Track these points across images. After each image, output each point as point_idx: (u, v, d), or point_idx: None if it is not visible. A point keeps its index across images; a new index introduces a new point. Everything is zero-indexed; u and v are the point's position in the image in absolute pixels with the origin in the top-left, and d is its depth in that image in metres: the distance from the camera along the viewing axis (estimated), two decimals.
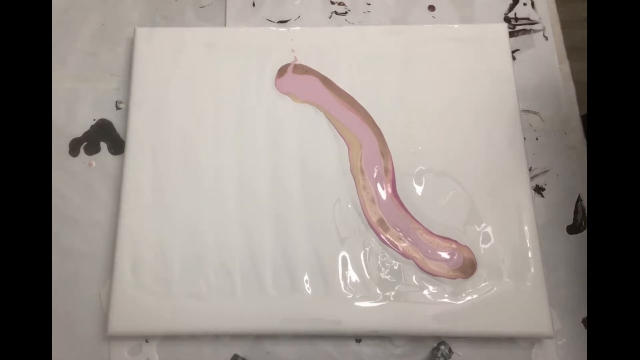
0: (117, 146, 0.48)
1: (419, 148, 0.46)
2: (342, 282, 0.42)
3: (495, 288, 0.42)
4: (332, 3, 0.53)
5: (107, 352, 0.42)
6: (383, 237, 0.43)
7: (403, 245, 0.43)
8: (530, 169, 0.46)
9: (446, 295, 0.41)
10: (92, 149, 0.48)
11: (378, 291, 0.41)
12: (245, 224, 0.44)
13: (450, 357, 0.41)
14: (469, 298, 0.41)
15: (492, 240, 0.43)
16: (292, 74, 0.49)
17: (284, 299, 0.41)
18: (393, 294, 0.41)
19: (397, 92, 0.48)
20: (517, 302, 0.41)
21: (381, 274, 0.42)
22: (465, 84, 0.48)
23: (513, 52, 0.50)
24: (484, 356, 0.42)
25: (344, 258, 0.43)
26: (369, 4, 0.53)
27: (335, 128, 0.47)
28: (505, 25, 0.50)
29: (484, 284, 0.42)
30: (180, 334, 0.41)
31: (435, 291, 0.41)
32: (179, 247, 0.43)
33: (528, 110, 0.49)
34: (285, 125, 0.47)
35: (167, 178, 0.45)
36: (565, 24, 0.53)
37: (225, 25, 0.52)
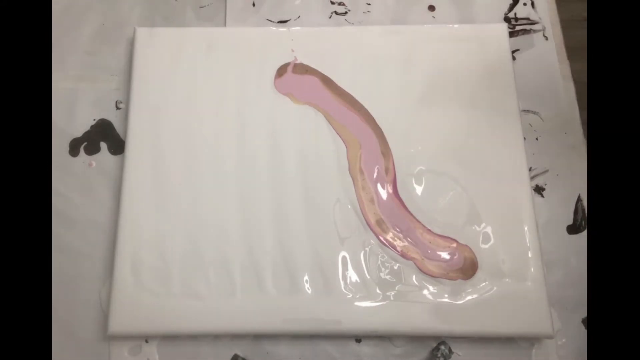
0: (117, 146, 0.48)
1: (419, 148, 0.46)
2: (342, 282, 0.42)
3: (495, 288, 0.42)
4: (332, 3, 0.53)
5: (107, 352, 0.42)
6: (382, 238, 0.43)
7: (402, 246, 0.43)
8: (530, 169, 0.46)
9: (446, 295, 0.41)
10: (92, 149, 0.48)
11: (378, 291, 0.41)
12: (245, 224, 0.44)
13: (450, 357, 0.41)
14: (469, 298, 0.41)
15: (492, 240, 0.43)
16: (292, 74, 0.49)
17: (284, 298, 0.41)
18: (393, 294, 0.41)
19: (397, 92, 0.48)
20: (517, 302, 0.41)
21: (381, 274, 0.42)
22: (465, 84, 0.48)
23: (513, 52, 0.50)
24: (484, 356, 0.42)
25: (344, 258, 0.43)
26: (369, 4, 0.53)
27: (334, 129, 0.47)
28: (505, 25, 0.50)
29: (484, 284, 0.42)
30: (180, 334, 0.41)
31: (435, 291, 0.41)
32: (179, 247, 0.43)
33: (528, 110, 0.49)
34: (284, 126, 0.47)
35: (167, 178, 0.45)
36: (565, 24, 0.53)
37: (225, 25, 0.52)
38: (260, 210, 0.44)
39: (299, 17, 0.53)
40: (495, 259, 0.42)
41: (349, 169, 0.45)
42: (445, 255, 0.43)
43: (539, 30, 0.52)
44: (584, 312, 0.43)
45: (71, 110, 0.49)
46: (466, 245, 0.43)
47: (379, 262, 0.42)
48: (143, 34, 0.50)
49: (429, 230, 0.43)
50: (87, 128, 0.48)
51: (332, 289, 0.42)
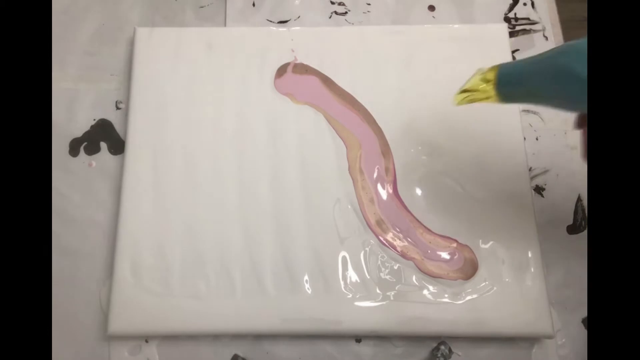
0: (117, 146, 0.48)
1: (419, 148, 0.46)
2: (342, 282, 0.42)
3: (495, 288, 0.42)
4: (332, 3, 0.53)
5: (107, 352, 0.42)
6: (382, 239, 0.43)
7: (402, 246, 0.43)
8: (530, 169, 0.46)
9: (446, 295, 0.41)
10: (92, 149, 0.48)
11: (378, 291, 0.41)
12: (245, 224, 0.44)
13: (450, 357, 0.41)
14: (469, 298, 0.41)
15: (492, 241, 0.43)
16: (292, 74, 0.49)
17: (284, 299, 0.41)
18: (393, 293, 0.41)
19: (398, 92, 0.48)
20: (517, 302, 0.41)
21: (381, 274, 0.42)
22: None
23: (513, 52, 0.50)
24: (484, 356, 0.42)
25: (344, 258, 0.43)
26: (369, 4, 0.53)
27: (334, 129, 0.47)
28: (505, 25, 0.50)
29: (484, 284, 0.42)
30: (180, 334, 0.41)
31: (435, 291, 0.41)
32: (179, 247, 0.43)
33: (528, 110, 0.49)
34: (284, 126, 0.47)
35: (167, 178, 0.45)
36: (565, 24, 0.53)
37: (225, 25, 0.52)
38: (260, 210, 0.44)
39: (299, 17, 0.53)
40: (495, 259, 0.42)
41: (349, 169, 0.45)
42: (445, 255, 0.43)
43: (539, 30, 0.52)
44: (584, 312, 0.43)
45: (71, 110, 0.49)
46: (466, 245, 0.43)
47: (379, 262, 0.42)
48: (143, 34, 0.50)
49: (429, 230, 0.43)
50: (87, 128, 0.49)
51: (332, 289, 0.42)
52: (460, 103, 0.40)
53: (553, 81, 0.32)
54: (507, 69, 0.36)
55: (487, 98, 0.38)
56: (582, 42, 0.31)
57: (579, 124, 0.36)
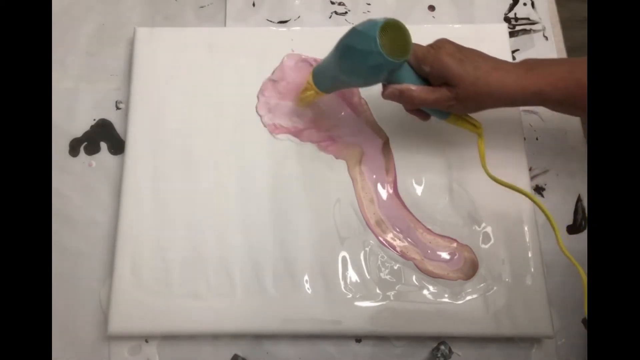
0: (117, 146, 0.48)
1: (419, 148, 0.46)
2: (342, 282, 0.42)
3: (495, 288, 0.42)
4: (332, 3, 0.53)
5: (107, 352, 0.42)
6: (381, 239, 0.43)
7: (402, 246, 0.43)
8: (530, 169, 0.46)
9: (446, 295, 0.41)
10: (92, 149, 0.48)
11: (378, 291, 0.41)
12: (245, 224, 0.44)
13: (450, 357, 0.41)
14: (469, 298, 0.41)
15: (492, 240, 0.43)
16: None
17: (284, 299, 0.41)
18: (393, 293, 0.41)
19: None
20: (517, 302, 0.41)
21: (381, 274, 0.42)
22: None
23: (513, 52, 0.50)
24: (484, 356, 0.42)
25: (344, 258, 0.43)
26: (369, 4, 0.53)
27: None
28: (505, 25, 0.50)
29: (484, 284, 0.42)
30: (180, 334, 0.41)
31: (435, 291, 0.41)
32: (179, 247, 0.43)
33: (528, 110, 0.49)
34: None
35: (167, 178, 0.45)
36: (565, 24, 0.53)
37: (225, 25, 0.52)
38: (260, 210, 0.44)
39: (299, 17, 0.53)
40: (495, 259, 0.42)
41: (349, 170, 0.45)
42: (445, 255, 0.43)
43: (539, 30, 0.52)
44: (584, 312, 0.43)
45: (71, 110, 0.49)
46: (466, 245, 0.43)
47: (379, 262, 0.42)
48: (143, 34, 0.50)
49: (429, 230, 0.43)
50: (87, 128, 0.49)
51: (332, 289, 0.42)
52: (299, 104, 0.46)
53: (340, 61, 0.38)
54: (317, 65, 0.42)
55: (316, 94, 0.43)
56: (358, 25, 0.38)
57: (382, 92, 0.40)
